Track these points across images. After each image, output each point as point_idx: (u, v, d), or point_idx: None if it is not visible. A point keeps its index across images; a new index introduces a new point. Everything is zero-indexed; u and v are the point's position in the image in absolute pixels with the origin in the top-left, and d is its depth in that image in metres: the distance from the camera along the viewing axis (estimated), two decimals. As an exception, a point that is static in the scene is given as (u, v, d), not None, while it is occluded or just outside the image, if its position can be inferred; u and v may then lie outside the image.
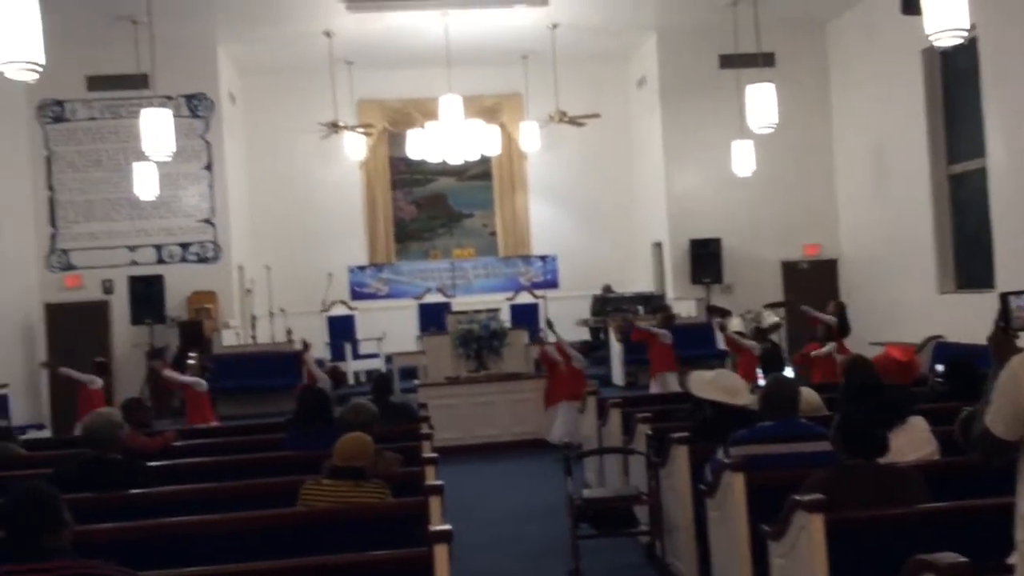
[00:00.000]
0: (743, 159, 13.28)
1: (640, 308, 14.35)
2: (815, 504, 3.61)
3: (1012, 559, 2.59)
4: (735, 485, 4.50)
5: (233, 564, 3.59)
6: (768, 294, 14.21)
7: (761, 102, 11.66)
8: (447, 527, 3.63)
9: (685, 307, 14.39)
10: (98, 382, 10.17)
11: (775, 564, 4.03)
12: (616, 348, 13.50)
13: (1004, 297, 2.78)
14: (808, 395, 5.58)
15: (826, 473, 3.84)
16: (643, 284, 16.26)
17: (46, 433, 11.52)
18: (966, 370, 5.98)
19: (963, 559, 2.79)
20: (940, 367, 7.30)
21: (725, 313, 13.49)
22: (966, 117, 11.84)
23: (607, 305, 14.64)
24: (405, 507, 4.39)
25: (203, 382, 10.14)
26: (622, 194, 16.82)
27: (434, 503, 4.38)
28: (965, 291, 11.92)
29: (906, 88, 12.71)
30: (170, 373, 10.27)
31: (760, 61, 13.17)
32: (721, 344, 12.58)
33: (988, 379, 2.71)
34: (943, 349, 10.99)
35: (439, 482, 4.60)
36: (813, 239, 15.09)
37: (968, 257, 12.12)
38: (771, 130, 11.87)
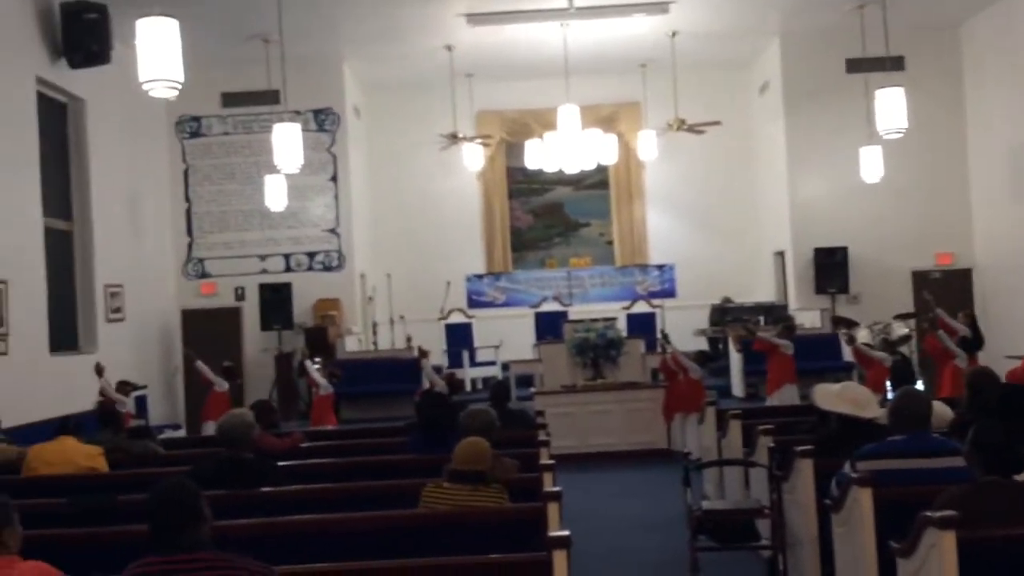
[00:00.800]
0: (871, 165, 12.86)
1: (760, 319, 14.05)
2: (947, 521, 3.47)
3: None
4: (862, 500, 4.36)
5: (357, 562, 3.70)
6: (897, 305, 13.68)
7: (890, 107, 11.26)
8: (566, 533, 3.65)
9: (809, 318, 14.01)
10: (224, 385, 10.63)
11: (904, 582, 3.89)
12: (736, 359, 13.26)
13: None
14: (940, 409, 5.37)
15: (960, 490, 3.69)
16: (764, 294, 15.92)
17: (181, 433, 12.12)
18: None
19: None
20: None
21: (852, 324, 13.07)
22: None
23: (726, 315, 14.40)
24: (523, 512, 4.43)
25: (329, 385, 10.47)
26: (742, 202, 16.53)
27: (552, 509, 4.40)
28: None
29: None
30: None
31: (889, 65, 12.73)
32: (847, 356, 12.22)
33: None
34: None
35: (557, 488, 4.63)
36: (945, 247, 14.48)
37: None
38: (900, 135, 11.46)
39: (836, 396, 5.34)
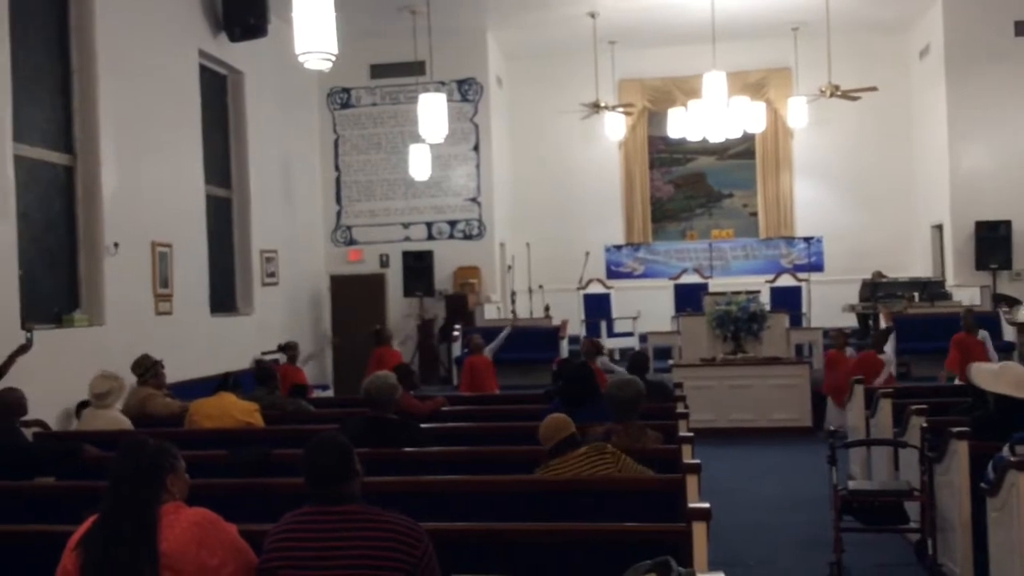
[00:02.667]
0: (1041, 133, 12.03)
1: (915, 295, 13.41)
2: (1121, 512, 3.26)
3: None
4: (1021, 485, 4.15)
5: (493, 523, 3.78)
6: (1066, 283, 12.83)
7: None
8: (706, 505, 3.61)
9: (968, 295, 13.30)
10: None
11: (1068, 574, 3.69)
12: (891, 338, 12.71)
13: None
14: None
15: None
16: (919, 269, 15.19)
17: (330, 393, 12.62)
18: None
19: None
20: None
21: (1014, 303, 12.36)
22: None
23: (878, 290, 13.81)
24: (662, 484, 4.41)
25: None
26: (898, 173, 15.77)
27: (691, 481, 4.36)
28: None
29: None
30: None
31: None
32: (1008, 335, 11.56)
33: None
34: None
35: (696, 460, 4.59)
36: (1124, 222, 13.43)
37: None
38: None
39: (995, 376, 5.08)
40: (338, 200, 15.30)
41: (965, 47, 13.80)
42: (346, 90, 15.20)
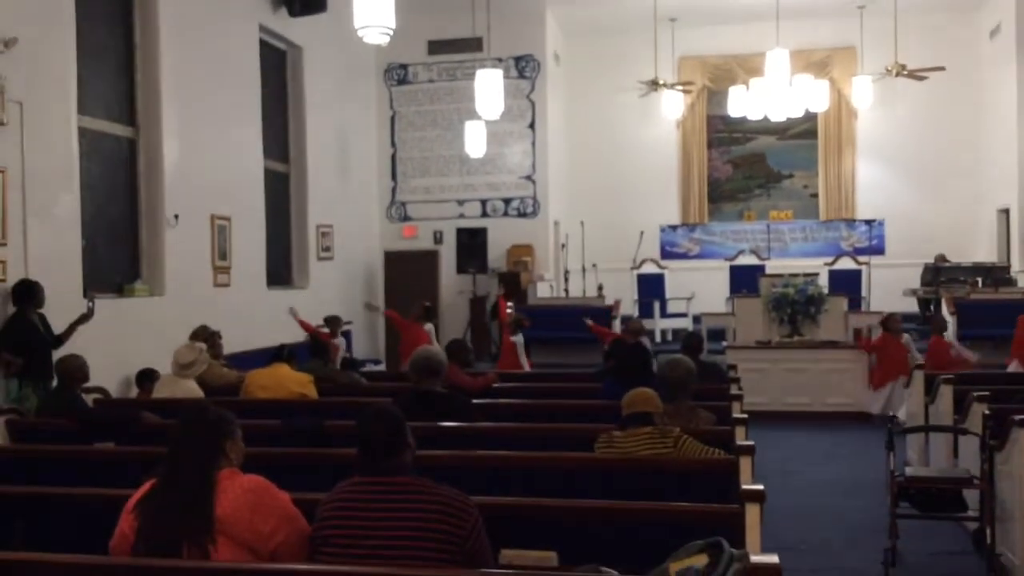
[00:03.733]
0: (1118, 115, 11.60)
1: (979, 280, 13.07)
2: None
3: None
4: (1090, 477, 4.02)
5: (543, 499, 3.77)
6: None
7: None
8: (760, 487, 3.56)
9: (1034, 281, 12.93)
10: (429, 326, 11.04)
11: None
12: (950, 321, 12.42)
13: None
14: None
15: None
16: (984, 254, 14.80)
17: (381, 367, 12.74)
18: None
19: None
20: None
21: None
22: None
23: (940, 275, 13.48)
24: (717, 464, 4.36)
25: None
26: (964, 155, 15.34)
27: (744, 463, 4.31)
28: None
29: None
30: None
31: None
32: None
33: None
34: None
35: (750, 442, 4.52)
36: None
37: None
38: None
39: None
40: (393, 176, 15.36)
41: (1038, 26, 13.35)
42: (403, 66, 15.22)
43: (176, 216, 9.15)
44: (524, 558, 3.30)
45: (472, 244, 14.60)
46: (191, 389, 6.75)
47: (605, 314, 13.40)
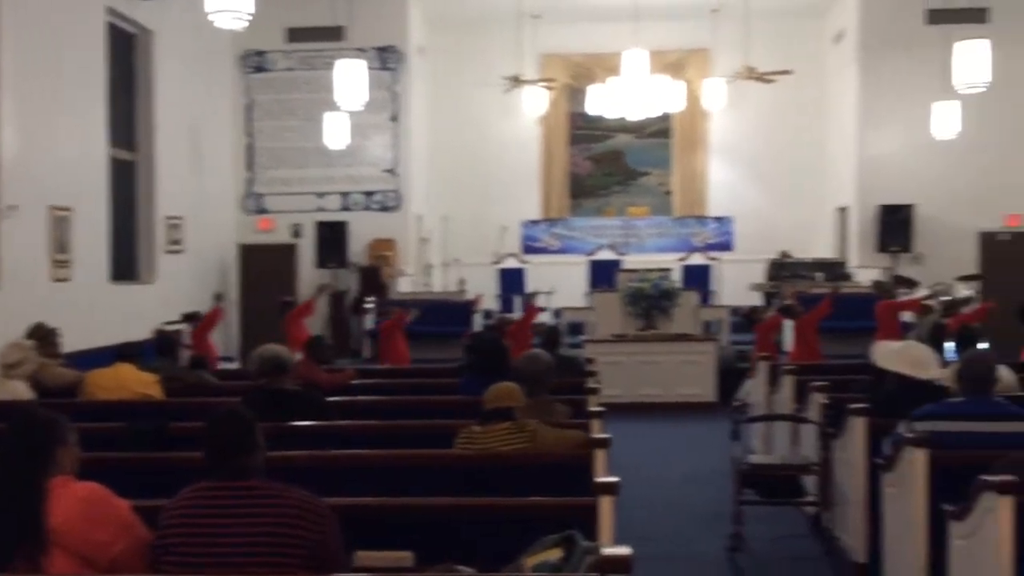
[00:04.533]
0: (946, 121, 12.45)
1: (819, 275, 13.79)
2: (1007, 486, 3.39)
3: None
4: (917, 461, 4.28)
5: (400, 498, 3.73)
6: (961, 266, 13.34)
7: (972, 59, 10.81)
8: (614, 479, 3.63)
9: (869, 276, 13.72)
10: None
11: (955, 546, 3.83)
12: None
13: None
14: (1004, 374, 5.23)
15: (1021, 455, 3.59)
16: (824, 250, 15.61)
17: (235, 365, 12.35)
18: None
19: None
20: None
21: (912, 284, 12.79)
22: None
23: (784, 270, 14.16)
24: (571, 458, 4.42)
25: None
26: (808, 156, 16.14)
27: (599, 455, 4.39)
28: None
29: None
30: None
31: (972, 16, 12.23)
32: (906, 316, 11.96)
33: None
34: None
35: (606, 435, 4.61)
36: (1017, 209, 14.01)
37: None
38: (982, 90, 11.02)
39: (896, 355, 5.23)
40: (249, 167, 14.92)
41: (878, 33, 14.16)
42: (260, 53, 14.80)
43: (11, 206, 8.59)
44: (379, 559, 3.26)
45: (332, 238, 14.36)
46: (19, 391, 6.32)
47: (466, 309, 13.44)
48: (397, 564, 3.22)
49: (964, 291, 12.29)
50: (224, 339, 13.90)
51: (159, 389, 6.46)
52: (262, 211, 14.91)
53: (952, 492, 3.88)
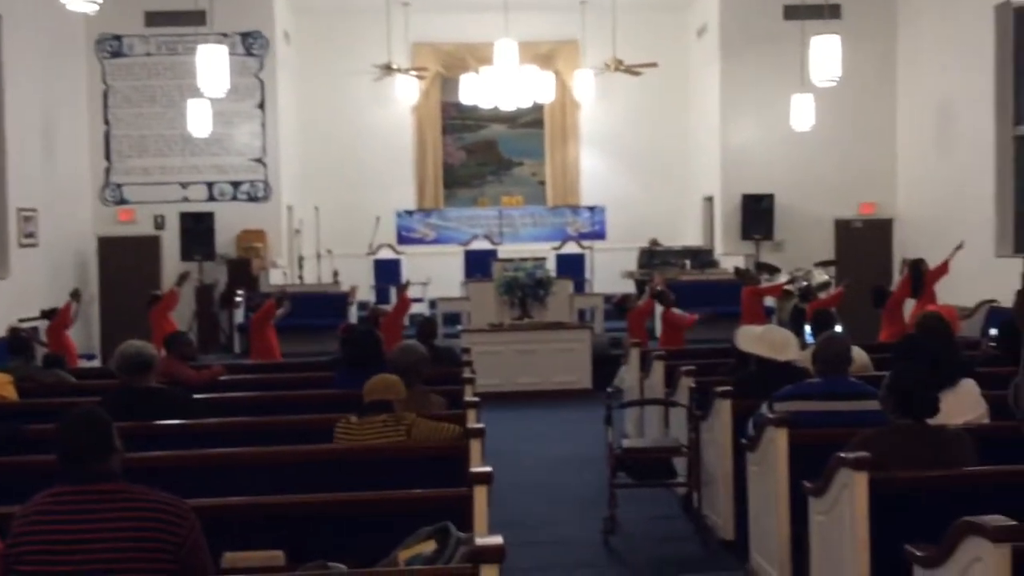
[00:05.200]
0: (802, 113, 12.98)
1: (687, 263, 14.20)
2: (861, 462, 3.56)
3: None
4: (778, 440, 4.46)
5: (272, 496, 3.65)
6: (819, 252, 13.97)
7: (825, 54, 11.32)
8: (487, 469, 3.64)
9: (733, 263, 14.22)
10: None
11: (815, 521, 4.00)
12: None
13: None
14: (857, 354, 5.50)
15: (874, 432, 3.79)
16: (692, 238, 16.09)
17: (96, 363, 11.82)
18: (1019, 333, 5.83)
19: (1011, 522, 2.73)
20: (993, 331, 7.14)
21: (774, 270, 13.33)
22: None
23: (654, 258, 14.52)
24: (446, 449, 4.42)
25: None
26: (675, 146, 16.57)
27: (474, 446, 4.40)
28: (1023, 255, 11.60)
29: (976, 45, 12.26)
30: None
31: (826, 13, 12.80)
32: (768, 301, 12.46)
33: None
34: (997, 314, 10.75)
35: (480, 425, 4.62)
36: (869, 197, 14.76)
37: (1029, 221, 11.78)
38: (834, 84, 11.55)
39: (755, 339, 5.44)
40: (107, 156, 14.26)
41: (738, 28, 14.63)
42: (117, 38, 14.15)
43: None
44: (249, 560, 3.18)
45: (198, 229, 13.88)
46: None
47: (341, 301, 13.24)
48: (267, 564, 3.15)
49: (821, 276, 12.88)
50: (85, 336, 13.28)
51: (12, 390, 6.12)
52: (122, 202, 14.28)
53: (812, 469, 4.05)
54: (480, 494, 3.54)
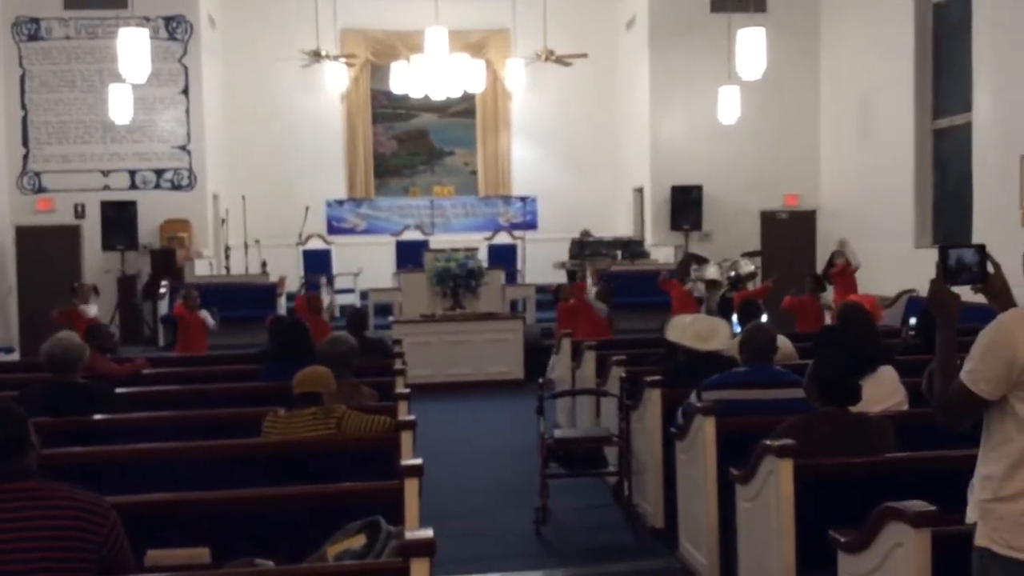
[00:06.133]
0: (729, 106, 13.17)
1: (618, 253, 14.32)
2: (785, 449, 3.63)
3: (971, 517, 2.57)
4: (706, 429, 4.52)
5: (199, 492, 3.57)
6: (746, 242, 14.21)
7: (751, 47, 11.52)
8: (418, 461, 3.62)
9: (663, 253, 14.39)
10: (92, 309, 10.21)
11: (741, 508, 4.07)
12: (592, 291, 13.49)
13: (943, 250, 2.68)
14: (782, 343, 5.61)
15: (798, 420, 3.86)
16: (622, 229, 16.22)
17: (15, 356, 11.43)
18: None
19: (931, 507, 2.81)
20: (912, 320, 7.35)
21: (702, 261, 13.51)
22: (955, 72, 11.77)
23: (585, 249, 14.60)
24: (376, 441, 4.38)
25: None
26: (606, 138, 16.67)
27: (405, 438, 4.37)
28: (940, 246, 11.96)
29: (896, 40, 12.59)
30: None
31: (752, 6, 13.00)
32: (697, 291, 12.64)
33: (940, 336, 2.61)
34: (916, 303, 11.08)
35: (411, 417, 4.59)
36: (793, 189, 15.06)
37: (947, 212, 12.15)
38: (759, 77, 11.75)
39: (683, 329, 5.50)
40: (25, 143, 13.78)
41: (667, 20, 14.76)
42: (35, 20, 13.66)
43: None
44: (173, 557, 3.11)
45: (120, 218, 13.51)
46: None
47: (270, 292, 13.03)
48: (192, 561, 3.08)
49: (748, 266, 13.10)
50: (3, 328, 12.85)
51: (-80, 387, 5.87)
52: (41, 190, 13.82)
53: (739, 457, 4.11)
54: (411, 487, 3.52)
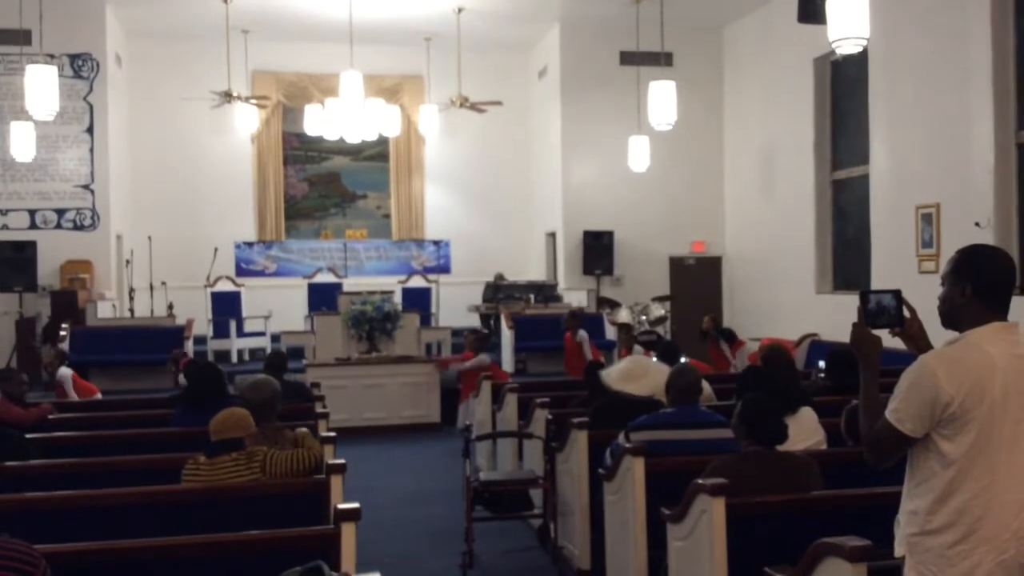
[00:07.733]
0: (639, 154, 13.51)
1: (532, 297, 14.44)
2: (717, 488, 3.71)
3: (899, 551, 2.66)
4: (635, 469, 4.58)
5: (113, 541, 3.44)
6: (656, 287, 14.55)
7: (662, 100, 11.87)
8: (355, 505, 3.56)
9: (576, 297, 14.58)
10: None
11: (673, 547, 4.13)
12: (507, 335, 13.56)
13: (864, 295, 2.76)
14: (703, 385, 5.73)
15: (728, 459, 3.95)
16: (535, 273, 16.38)
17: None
18: (848, 364, 6.23)
19: (866, 542, 2.90)
20: (822, 363, 7.61)
21: (614, 304, 13.76)
22: (852, 125, 12.37)
23: (499, 292, 14.69)
24: (305, 485, 4.30)
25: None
26: (519, 183, 16.87)
27: (335, 482, 4.30)
28: (840, 292, 12.46)
29: (796, 94, 13.17)
30: None
31: (661, 60, 13.44)
32: (610, 334, 12.85)
33: (863, 376, 2.68)
34: (818, 347, 11.49)
35: (341, 460, 4.53)
36: (700, 236, 15.50)
37: (846, 259, 12.68)
38: (670, 127, 12.11)
39: (612, 372, 5.58)
40: (-84, 179, 13.16)
41: (577, 71, 15.13)
42: (-70, 53, 13.14)
43: None
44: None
45: (18, 259, 12.97)
46: None
47: (176, 335, 12.67)
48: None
49: (659, 310, 13.39)
50: None
51: None
52: (-68, 228, 13.20)
53: (666, 497, 4.18)
54: (348, 531, 3.46)
